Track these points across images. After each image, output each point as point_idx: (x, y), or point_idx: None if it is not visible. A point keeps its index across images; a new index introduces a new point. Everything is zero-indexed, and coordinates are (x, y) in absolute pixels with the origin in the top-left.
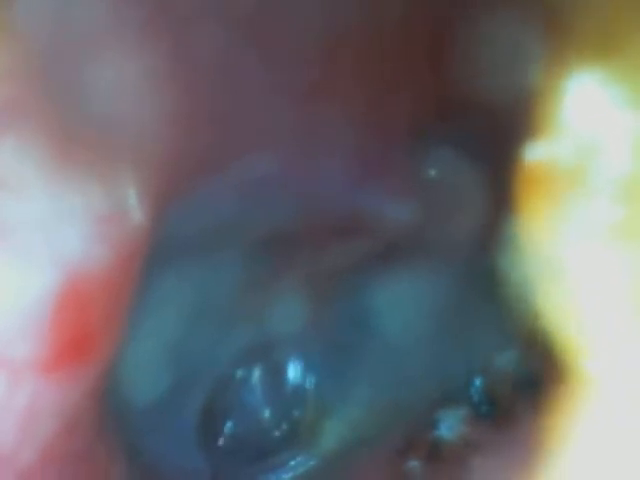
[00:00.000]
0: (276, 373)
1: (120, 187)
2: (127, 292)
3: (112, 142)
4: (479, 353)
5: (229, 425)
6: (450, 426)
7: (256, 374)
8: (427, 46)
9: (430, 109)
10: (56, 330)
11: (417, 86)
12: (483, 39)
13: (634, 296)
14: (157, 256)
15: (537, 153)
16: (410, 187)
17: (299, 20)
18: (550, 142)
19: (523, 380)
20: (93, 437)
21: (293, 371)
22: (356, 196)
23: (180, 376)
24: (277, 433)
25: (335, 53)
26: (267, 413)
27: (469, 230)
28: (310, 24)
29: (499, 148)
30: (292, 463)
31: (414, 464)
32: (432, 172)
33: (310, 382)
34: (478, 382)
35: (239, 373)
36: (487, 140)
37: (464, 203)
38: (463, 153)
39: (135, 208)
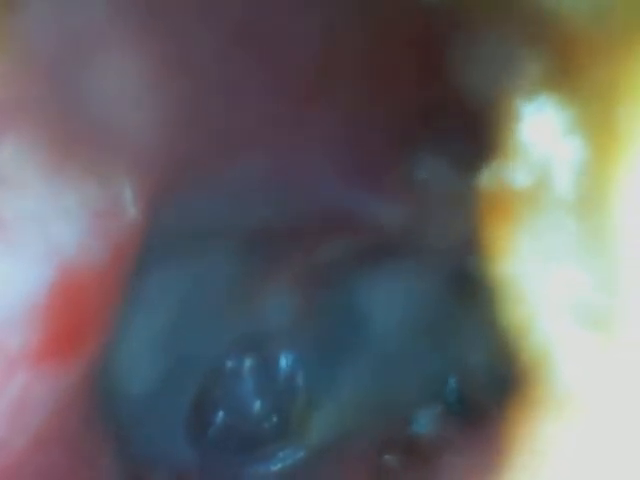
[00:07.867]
0: (267, 366)
1: (115, 184)
2: (120, 285)
3: (109, 141)
4: (454, 354)
5: (219, 416)
6: (425, 424)
7: (247, 366)
8: (415, 54)
9: (419, 114)
10: (49, 321)
11: (406, 91)
12: (467, 51)
13: (593, 307)
14: (150, 250)
15: (494, 175)
16: (399, 189)
17: (294, 25)
18: (507, 164)
19: (495, 381)
20: (83, 426)
21: (284, 364)
22: (346, 196)
23: (171, 367)
24: (267, 425)
25: (328, 58)
26: (257, 405)
27: (454, 233)
28: (304, 29)
29: (483, 154)
30: (280, 455)
31: (390, 459)
32: (421, 175)
33: (300, 375)
34: (452, 382)
35: (230, 365)
36: (474, 146)
37: (450, 207)
38: (452, 158)
39: (130, 204)
